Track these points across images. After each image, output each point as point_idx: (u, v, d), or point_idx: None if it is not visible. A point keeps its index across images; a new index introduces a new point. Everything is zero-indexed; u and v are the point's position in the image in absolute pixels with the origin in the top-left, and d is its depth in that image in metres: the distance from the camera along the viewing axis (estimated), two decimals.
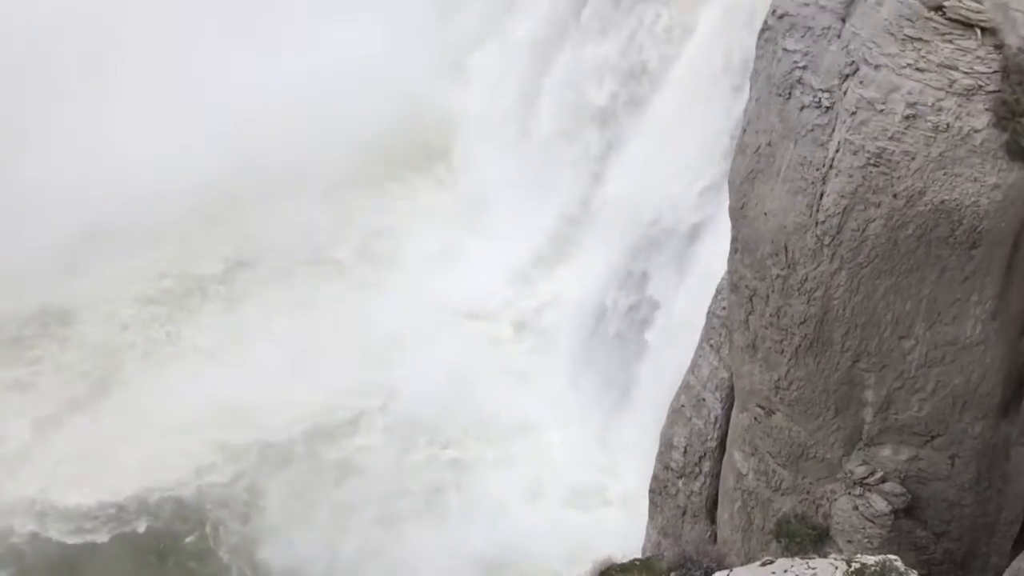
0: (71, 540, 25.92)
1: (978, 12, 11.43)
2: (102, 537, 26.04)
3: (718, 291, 15.01)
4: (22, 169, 32.17)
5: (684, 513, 15.67)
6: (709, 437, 15.14)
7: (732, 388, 14.63)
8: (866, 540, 12.84)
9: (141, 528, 26.31)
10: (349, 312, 30.96)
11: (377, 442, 27.85)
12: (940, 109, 11.40)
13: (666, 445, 15.89)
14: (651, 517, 16.50)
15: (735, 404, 14.55)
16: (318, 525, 26.01)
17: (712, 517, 15.33)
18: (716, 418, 15.07)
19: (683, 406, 15.73)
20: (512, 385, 28.51)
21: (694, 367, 15.68)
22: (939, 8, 11.50)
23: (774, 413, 13.60)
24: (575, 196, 30.08)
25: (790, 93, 12.36)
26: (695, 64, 24.78)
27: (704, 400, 15.27)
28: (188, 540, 26.28)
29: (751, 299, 13.37)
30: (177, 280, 31.96)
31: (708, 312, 15.38)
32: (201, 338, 30.53)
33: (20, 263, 30.34)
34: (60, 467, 27.09)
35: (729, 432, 14.78)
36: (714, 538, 15.38)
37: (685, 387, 15.84)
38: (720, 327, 14.89)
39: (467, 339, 29.76)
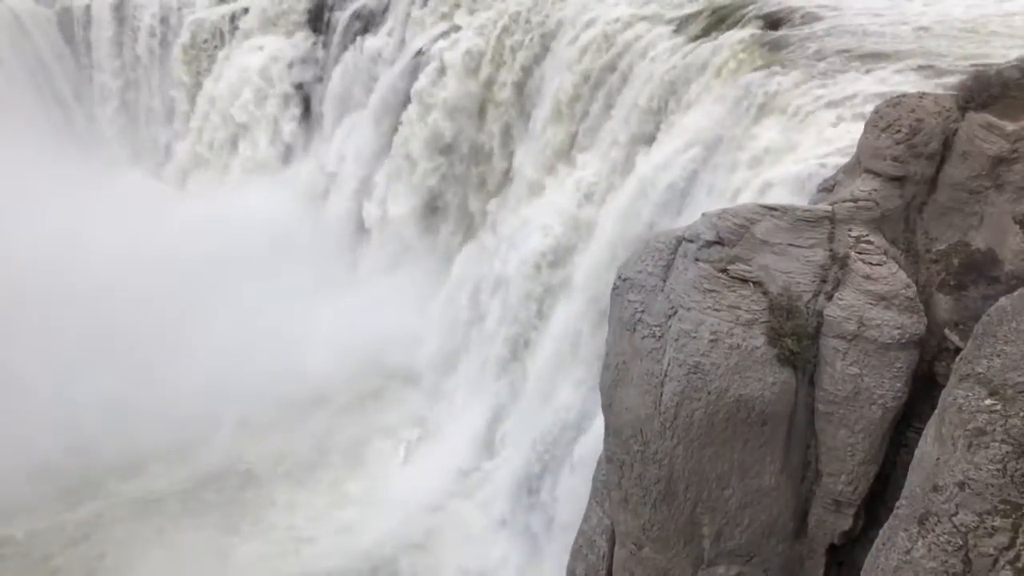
0: None
1: (749, 272, 14.14)
2: None
3: (599, 463, 16.52)
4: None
5: None
6: (600, 568, 16.41)
7: (614, 531, 15.94)
8: None
9: None
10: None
11: None
12: (732, 335, 13.79)
13: (571, 574, 17.30)
14: None
15: (616, 543, 15.87)
16: None
17: None
18: (604, 554, 16.29)
19: (581, 546, 17.05)
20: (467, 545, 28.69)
21: (586, 518, 17.08)
22: (725, 271, 14.18)
23: (643, 547, 15.12)
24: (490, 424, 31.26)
25: (635, 328, 14.58)
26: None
27: (595, 541, 16.57)
28: None
29: (621, 467, 15.07)
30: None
31: (593, 478, 16.89)
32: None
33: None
34: None
35: (614, 562, 15.98)
36: None
37: (581, 533, 17.18)
38: (602, 488, 16.25)
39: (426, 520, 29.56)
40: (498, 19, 35.90)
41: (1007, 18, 24.53)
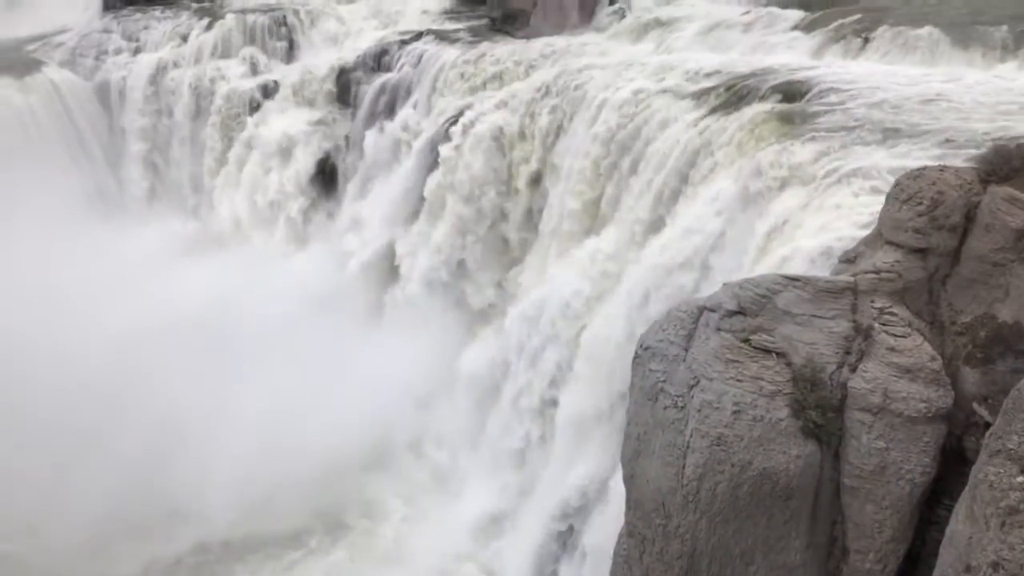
0: None
1: (772, 342, 13.99)
2: None
3: (619, 537, 15.91)
4: None
5: None
6: None
7: None
8: None
9: None
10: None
11: None
12: (755, 406, 13.52)
13: None
14: None
15: None
16: None
17: None
18: None
19: None
20: None
21: None
22: (747, 341, 14.02)
23: None
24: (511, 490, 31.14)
25: (656, 398, 14.33)
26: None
27: None
28: None
29: (642, 542, 14.71)
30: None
31: (614, 553, 16.15)
32: None
33: None
34: None
35: None
36: None
37: None
38: (623, 563, 15.65)
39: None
40: (522, 94, 36.38)
41: None
